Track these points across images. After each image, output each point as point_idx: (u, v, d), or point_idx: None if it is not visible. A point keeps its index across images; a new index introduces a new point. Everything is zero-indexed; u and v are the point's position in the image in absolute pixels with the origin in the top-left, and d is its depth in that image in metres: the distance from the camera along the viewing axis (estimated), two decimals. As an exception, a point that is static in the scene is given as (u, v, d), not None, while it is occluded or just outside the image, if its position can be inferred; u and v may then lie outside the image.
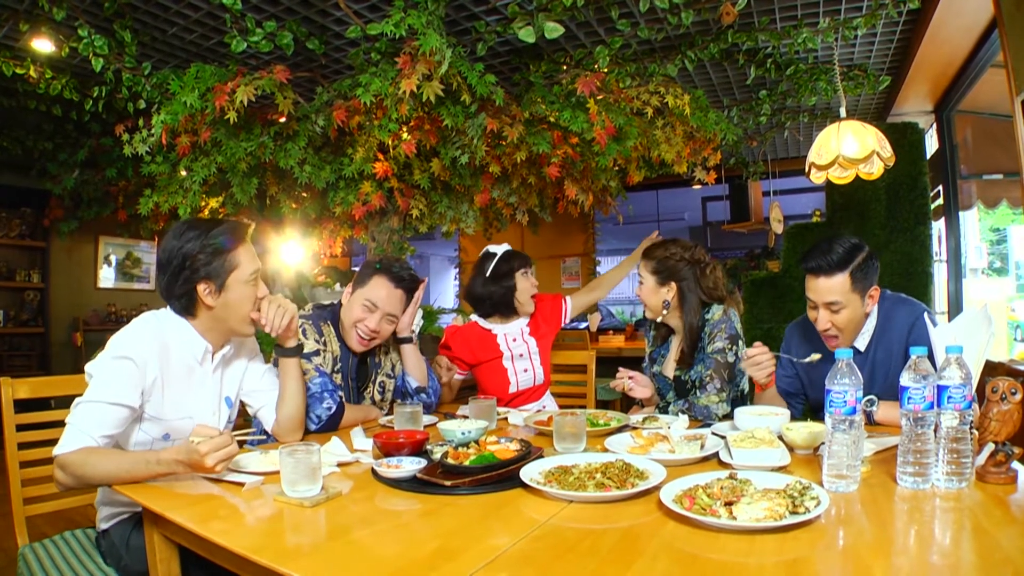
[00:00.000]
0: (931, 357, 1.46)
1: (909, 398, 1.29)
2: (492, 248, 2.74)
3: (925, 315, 1.78)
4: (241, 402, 1.88)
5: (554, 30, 2.46)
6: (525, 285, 2.66)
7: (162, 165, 3.30)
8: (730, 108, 4.29)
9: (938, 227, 4.26)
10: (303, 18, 2.99)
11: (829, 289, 1.83)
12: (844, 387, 1.30)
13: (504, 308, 2.67)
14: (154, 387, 1.58)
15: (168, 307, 1.70)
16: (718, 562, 0.99)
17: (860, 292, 1.84)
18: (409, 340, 2.30)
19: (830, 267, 1.82)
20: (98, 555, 1.71)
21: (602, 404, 4.30)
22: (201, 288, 1.64)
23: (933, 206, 4.10)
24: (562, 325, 2.88)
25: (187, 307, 1.67)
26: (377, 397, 2.30)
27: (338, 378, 2.14)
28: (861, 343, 1.95)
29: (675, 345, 2.31)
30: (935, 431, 1.29)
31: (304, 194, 3.91)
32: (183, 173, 3.25)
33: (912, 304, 1.94)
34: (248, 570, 1.07)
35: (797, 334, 2.15)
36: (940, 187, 4.18)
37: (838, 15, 3.12)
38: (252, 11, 2.88)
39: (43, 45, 3.00)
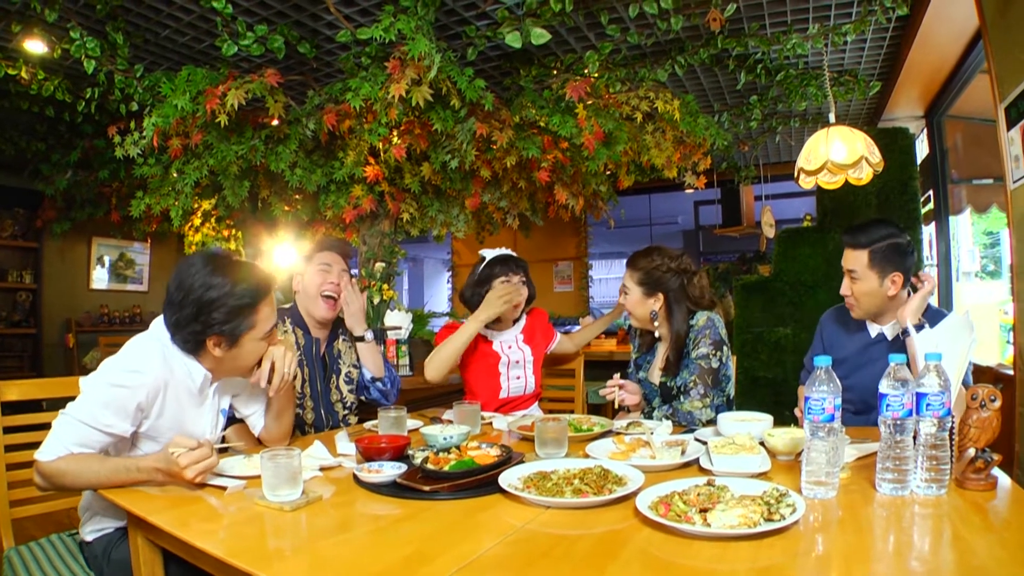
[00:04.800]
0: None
1: (888, 405, 1.30)
2: (485, 252, 2.73)
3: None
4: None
5: (540, 36, 2.48)
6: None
7: (154, 167, 3.30)
8: (721, 113, 4.31)
9: (928, 231, 4.28)
10: (294, 22, 2.99)
11: (850, 259, 2.00)
12: (822, 394, 1.30)
13: None
14: (152, 408, 1.56)
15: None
16: (691, 568, 0.99)
17: (878, 272, 1.95)
18: (362, 339, 2.36)
19: (855, 241, 2.00)
20: (83, 559, 1.70)
21: (593, 408, 4.29)
22: (211, 343, 1.58)
23: (924, 210, 4.11)
24: (546, 351, 2.83)
25: (191, 350, 1.61)
26: (344, 388, 2.33)
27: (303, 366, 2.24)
28: None
29: (661, 352, 2.30)
30: (914, 438, 1.30)
31: (296, 197, 3.92)
32: (175, 175, 3.25)
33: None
34: (228, 574, 1.07)
35: (831, 320, 2.26)
36: (931, 191, 4.20)
37: (827, 21, 3.14)
38: (243, 15, 2.88)
39: (35, 46, 3.00)
